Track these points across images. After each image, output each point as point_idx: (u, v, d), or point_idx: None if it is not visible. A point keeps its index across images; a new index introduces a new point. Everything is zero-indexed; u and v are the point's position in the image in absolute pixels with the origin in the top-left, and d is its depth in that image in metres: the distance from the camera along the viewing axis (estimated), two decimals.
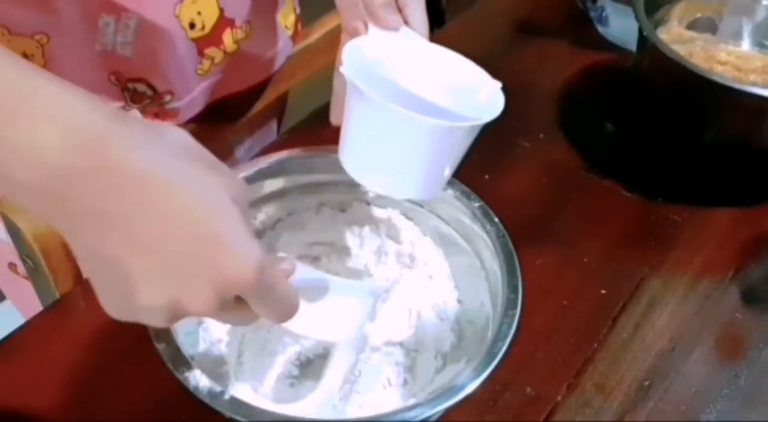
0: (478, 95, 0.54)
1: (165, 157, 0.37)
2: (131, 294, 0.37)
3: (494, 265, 0.57)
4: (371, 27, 0.56)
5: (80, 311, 0.64)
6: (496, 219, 0.59)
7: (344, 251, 0.65)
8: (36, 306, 0.71)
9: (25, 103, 0.34)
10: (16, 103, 0.34)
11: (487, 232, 0.58)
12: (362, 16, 0.57)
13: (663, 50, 0.73)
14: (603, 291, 0.68)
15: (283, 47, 0.86)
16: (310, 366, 0.59)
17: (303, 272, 0.47)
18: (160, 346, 0.49)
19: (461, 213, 0.61)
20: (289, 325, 0.45)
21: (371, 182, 0.53)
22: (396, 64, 0.55)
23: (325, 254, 0.66)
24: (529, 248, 0.70)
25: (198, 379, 0.48)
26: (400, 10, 0.56)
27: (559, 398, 0.60)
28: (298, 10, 0.89)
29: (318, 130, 0.61)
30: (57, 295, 0.69)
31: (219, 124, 0.85)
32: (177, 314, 0.39)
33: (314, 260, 0.65)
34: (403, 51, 0.56)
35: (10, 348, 0.62)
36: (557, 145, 0.82)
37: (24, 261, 0.69)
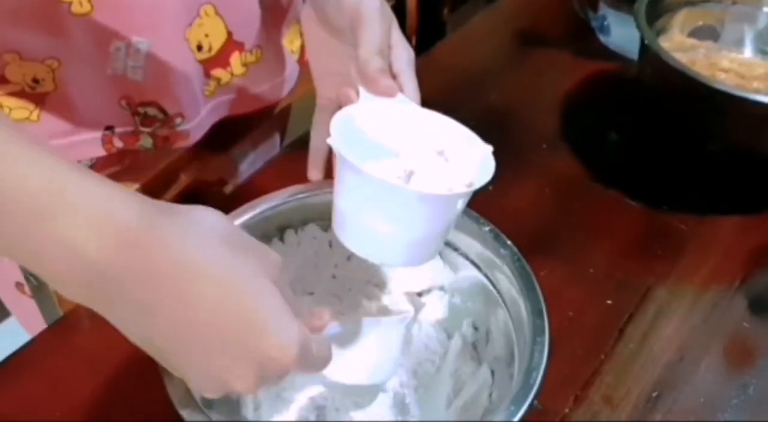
0: (471, 159, 0.53)
1: (201, 246, 0.38)
2: (184, 377, 0.41)
3: (512, 290, 0.56)
4: (363, 93, 0.55)
5: (84, 329, 0.64)
6: (509, 242, 0.58)
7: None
8: (41, 325, 0.71)
9: (61, 199, 0.35)
10: (51, 199, 0.35)
11: (502, 257, 0.57)
12: (352, 83, 0.56)
13: (665, 59, 0.73)
14: (609, 302, 0.68)
15: (291, 73, 0.86)
16: (325, 410, 0.58)
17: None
18: (170, 385, 0.49)
19: (472, 239, 0.60)
20: (330, 375, 0.47)
21: (364, 252, 0.53)
22: (389, 132, 0.54)
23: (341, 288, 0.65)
24: (534, 259, 0.70)
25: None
26: (393, 78, 0.56)
27: (567, 410, 0.60)
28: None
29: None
30: (61, 313, 0.69)
31: (223, 142, 0.85)
32: (225, 392, 0.41)
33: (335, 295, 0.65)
34: (395, 117, 0.55)
35: (15, 366, 0.62)
36: (561, 155, 0.82)
37: (28, 280, 0.69)
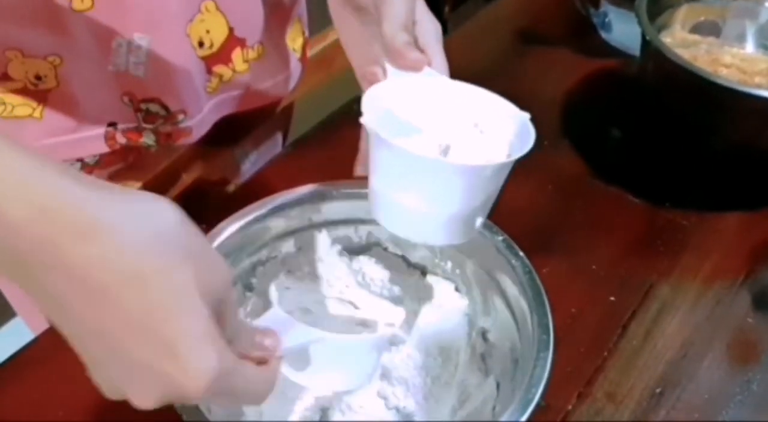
0: (508, 129, 0.52)
1: (132, 244, 0.34)
2: (89, 367, 0.37)
3: (521, 302, 0.56)
4: (390, 70, 0.54)
5: None
6: (521, 253, 0.57)
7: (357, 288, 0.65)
8: (45, 324, 0.71)
9: None
10: None
11: (513, 267, 0.57)
12: (378, 59, 0.55)
13: (667, 54, 0.73)
14: (612, 298, 0.68)
15: (294, 70, 0.86)
16: (329, 411, 0.58)
17: (298, 334, 0.45)
18: None
19: (485, 247, 0.59)
20: (297, 378, 0.46)
21: (405, 232, 0.52)
22: (420, 107, 0.53)
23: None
24: (537, 257, 0.70)
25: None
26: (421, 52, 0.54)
27: (570, 407, 0.60)
28: (307, 34, 0.89)
29: (323, 142, 0.61)
30: None
31: (226, 140, 0.85)
32: (122, 398, 0.38)
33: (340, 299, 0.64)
34: (426, 92, 0.54)
35: (20, 365, 0.62)
36: (563, 152, 0.82)
37: None
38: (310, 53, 0.92)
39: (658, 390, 0.61)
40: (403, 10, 0.53)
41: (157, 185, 0.77)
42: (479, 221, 0.53)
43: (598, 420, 0.59)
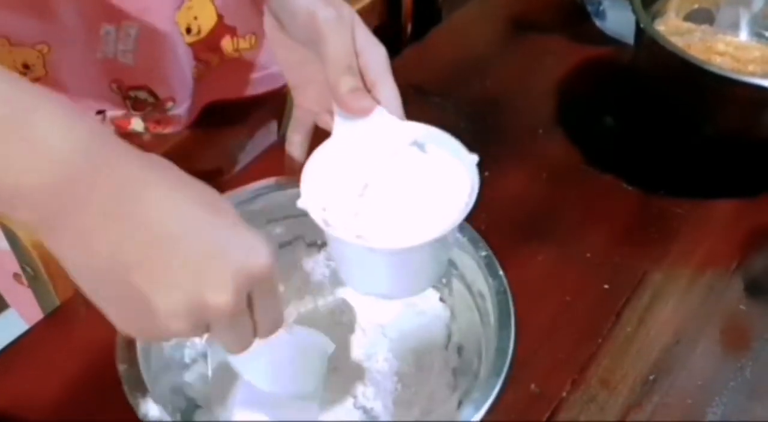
0: (456, 179, 0.51)
1: (168, 174, 0.38)
2: (146, 305, 0.36)
3: (492, 320, 0.55)
4: (337, 112, 0.53)
5: (81, 318, 0.64)
6: (501, 272, 0.56)
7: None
8: (39, 316, 0.71)
9: (36, 112, 0.34)
10: (25, 113, 0.34)
11: (489, 286, 0.56)
12: (325, 103, 0.54)
13: (660, 42, 0.72)
14: (606, 286, 0.68)
15: None
16: None
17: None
18: (122, 367, 0.49)
19: (467, 259, 0.59)
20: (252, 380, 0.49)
21: (367, 292, 0.57)
22: (368, 159, 0.52)
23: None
24: (531, 245, 0.70)
25: (148, 408, 0.47)
26: (368, 89, 0.52)
27: (564, 394, 0.60)
28: None
29: (317, 130, 0.60)
30: (57, 302, 0.69)
31: (220, 130, 0.85)
32: (199, 318, 0.37)
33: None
34: (373, 142, 0.52)
35: (11, 356, 0.62)
36: (556, 140, 0.82)
37: (24, 270, 0.69)
38: None
39: (651, 377, 0.62)
40: (343, 48, 0.51)
41: None
42: (440, 273, 0.55)
43: (591, 407, 0.59)
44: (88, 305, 0.63)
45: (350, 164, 0.52)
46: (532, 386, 0.61)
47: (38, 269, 0.66)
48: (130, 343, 0.51)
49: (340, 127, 0.53)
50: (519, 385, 0.60)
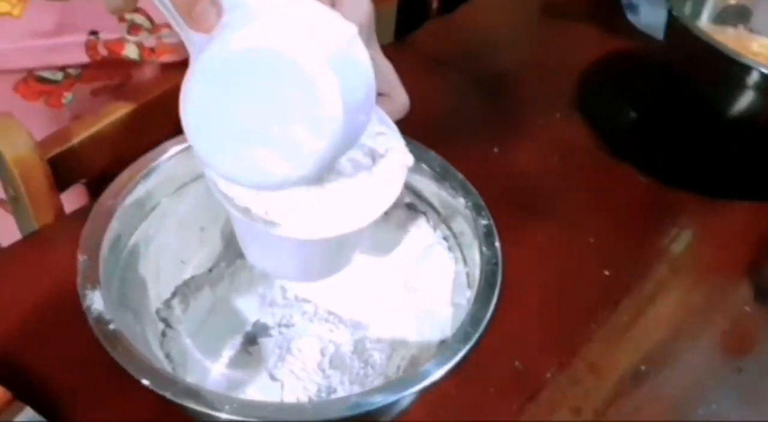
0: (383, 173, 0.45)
1: None
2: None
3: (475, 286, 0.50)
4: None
5: (57, 244, 0.62)
6: (497, 243, 0.51)
7: None
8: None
9: None
10: None
11: (482, 254, 0.51)
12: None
13: (693, 31, 0.70)
14: (606, 272, 0.64)
15: None
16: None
17: None
18: (81, 258, 0.47)
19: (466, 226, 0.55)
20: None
21: (262, 268, 0.52)
22: None
23: None
24: (534, 223, 0.67)
25: (93, 300, 0.45)
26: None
27: (548, 375, 0.57)
28: None
29: None
30: (36, 227, 0.66)
31: None
32: None
33: None
34: None
35: None
36: (574, 126, 0.79)
37: (6, 191, 0.66)
38: None
39: (642, 368, 0.58)
40: None
41: (148, 113, 0.74)
42: (350, 257, 0.50)
43: (576, 390, 0.56)
44: (64, 232, 0.62)
45: None
46: (516, 363, 0.57)
47: (19, 188, 0.63)
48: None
49: None
50: (501, 360, 0.57)
